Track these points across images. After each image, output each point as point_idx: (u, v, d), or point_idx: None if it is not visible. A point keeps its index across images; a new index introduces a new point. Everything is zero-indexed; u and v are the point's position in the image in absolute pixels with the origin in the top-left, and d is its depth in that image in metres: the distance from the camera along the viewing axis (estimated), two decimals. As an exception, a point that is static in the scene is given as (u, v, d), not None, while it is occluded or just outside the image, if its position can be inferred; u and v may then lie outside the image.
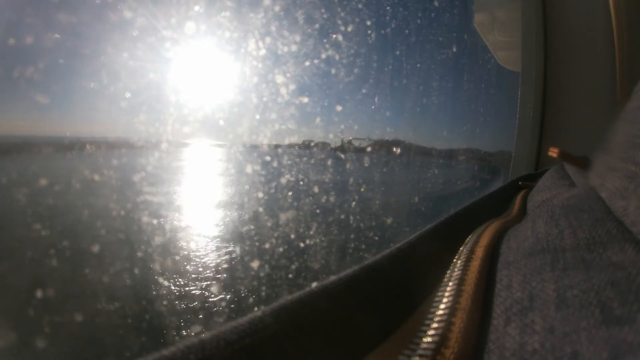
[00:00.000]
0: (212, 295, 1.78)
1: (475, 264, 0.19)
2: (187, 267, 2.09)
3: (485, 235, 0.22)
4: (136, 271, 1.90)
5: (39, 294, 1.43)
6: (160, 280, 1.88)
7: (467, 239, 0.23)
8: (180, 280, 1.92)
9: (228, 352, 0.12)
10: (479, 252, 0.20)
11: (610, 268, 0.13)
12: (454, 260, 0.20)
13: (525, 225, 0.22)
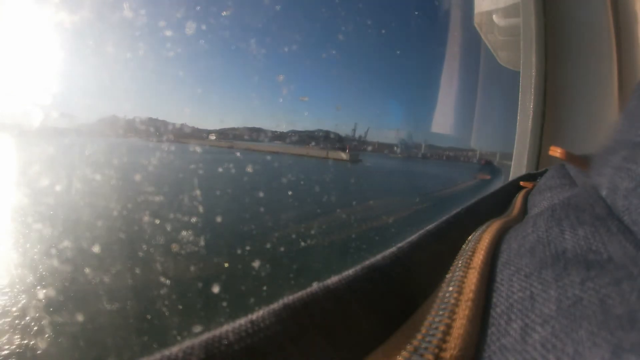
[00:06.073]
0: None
1: (476, 264, 0.19)
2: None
3: (486, 235, 0.22)
4: None
5: None
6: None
7: (468, 238, 0.23)
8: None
9: (229, 352, 0.12)
10: (480, 252, 0.20)
11: (611, 267, 0.13)
12: (455, 260, 0.20)
13: (526, 225, 0.22)
